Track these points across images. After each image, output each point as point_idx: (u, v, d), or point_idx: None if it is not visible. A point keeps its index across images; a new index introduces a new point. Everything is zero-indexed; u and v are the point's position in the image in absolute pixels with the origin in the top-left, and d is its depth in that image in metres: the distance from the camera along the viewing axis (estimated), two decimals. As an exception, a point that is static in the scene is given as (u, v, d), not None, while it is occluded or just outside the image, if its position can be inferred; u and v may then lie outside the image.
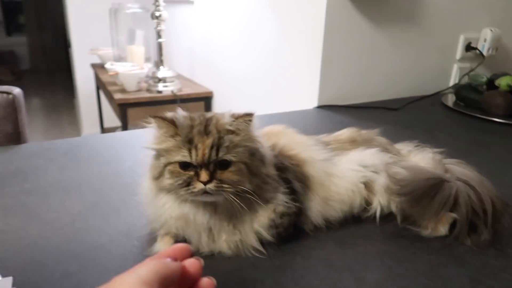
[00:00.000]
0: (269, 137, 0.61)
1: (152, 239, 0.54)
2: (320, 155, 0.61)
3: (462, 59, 1.50)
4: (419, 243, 0.57)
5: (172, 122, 0.49)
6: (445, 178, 0.59)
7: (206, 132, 0.48)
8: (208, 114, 0.51)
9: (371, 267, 0.51)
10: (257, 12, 1.54)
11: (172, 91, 1.97)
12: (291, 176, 0.55)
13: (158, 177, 0.50)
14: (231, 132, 0.49)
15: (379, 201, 0.60)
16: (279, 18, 1.40)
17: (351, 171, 0.60)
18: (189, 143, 0.47)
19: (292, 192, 0.55)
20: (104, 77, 2.27)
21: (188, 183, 0.47)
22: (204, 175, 0.47)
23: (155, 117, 0.49)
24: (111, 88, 2.04)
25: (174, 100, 1.98)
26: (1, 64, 5.84)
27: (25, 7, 6.33)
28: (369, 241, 0.57)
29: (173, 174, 0.48)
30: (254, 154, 0.50)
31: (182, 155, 0.47)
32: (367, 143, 0.69)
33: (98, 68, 2.60)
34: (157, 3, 1.89)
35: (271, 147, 0.59)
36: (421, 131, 1.06)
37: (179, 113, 0.51)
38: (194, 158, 0.47)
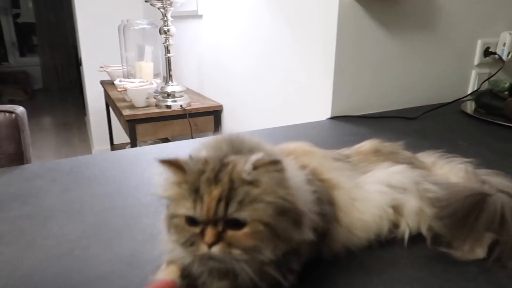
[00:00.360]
0: (297, 156, 0.56)
1: (156, 267, 0.49)
2: (351, 181, 0.55)
3: (481, 65, 1.43)
4: (453, 267, 0.51)
5: (180, 167, 0.40)
6: (486, 192, 0.53)
7: (215, 180, 0.38)
8: (229, 158, 0.41)
9: (402, 297, 0.45)
10: (267, 23, 1.50)
11: (181, 106, 1.94)
12: (324, 197, 0.50)
13: (169, 229, 0.42)
14: (248, 183, 0.38)
15: (408, 224, 0.54)
16: (289, 29, 1.37)
17: (379, 193, 0.54)
18: (196, 192, 0.38)
19: (321, 214, 0.49)
20: (113, 94, 2.26)
21: (192, 243, 0.39)
22: (209, 235, 0.37)
23: (162, 161, 0.41)
24: (120, 104, 2.02)
25: (184, 115, 1.95)
26: (15, 84, 5.94)
27: (38, 28, 6.45)
28: (397, 267, 0.51)
29: (177, 229, 0.40)
30: (284, 213, 0.39)
31: (186, 208, 0.39)
32: (392, 155, 0.64)
33: (108, 85, 2.60)
34: (165, 19, 1.88)
35: (301, 167, 0.53)
36: (444, 141, 1.00)
37: (195, 156, 0.42)
38: (199, 212, 0.38)
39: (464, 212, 0.51)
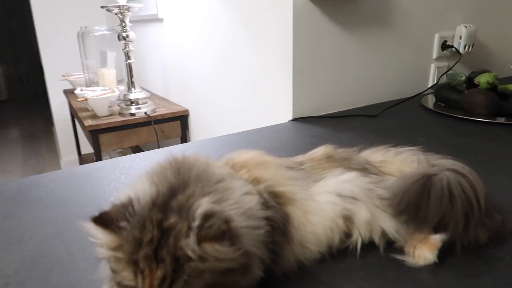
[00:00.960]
0: (249, 169, 0.54)
1: (97, 299, 0.46)
2: (304, 192, 0.54)
3: (439, 58, 1.45)
4: (405, 275, 0.50)
5: (113, 231, 0.37)
6: (431, 173, 0.54)
7: (156, 258, 0.35)
8: (169, 220, 0.37)
9: (351, 313, 0.44)
10: (224, 26, 1.48)
11: (145, 113, 1.89)
12: (277, 219, 0.48)
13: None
14: (194, 259, 0.35)
15: (360, 233, 0.53)
16: (246, 31, 1.35)
17: (329, 204, 0.53)
18: (135, 264, 0.36)
19: (271, 236, 0.47)
20: (75, 103, 2.19)
21: None
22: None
23: (93, 219, 0.38)
24: (81, 114, 1.96)
25: (149, 122, 1.90)
26: (-23, 97, 5.70)
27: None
28: (349, 278, 0.50)
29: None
30: (232, 270, 0.37)
31: (126, 278, 0.36)
32: (345, 161, 0.62)
33: (70, 94, 2.52)
34: (123, 24, 1.82)
35: (254, 180, 0.52)
36: (402, 138, 1.00)
37: (130, 209, 0.38)
38: (141, 285, 0.35)
39: (416, 199, 0.51)
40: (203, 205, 0.38)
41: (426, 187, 0.52)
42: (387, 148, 0.68)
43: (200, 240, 0.35)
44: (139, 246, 0.36)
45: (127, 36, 1.83)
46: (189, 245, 0.35)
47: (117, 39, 1.88)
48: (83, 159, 2.85)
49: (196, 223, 0.36)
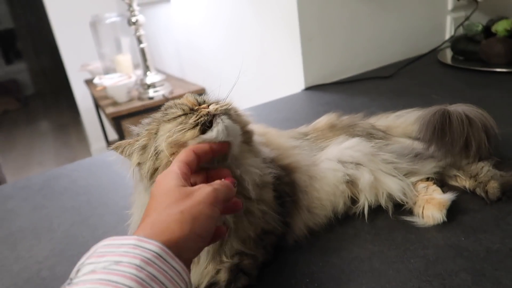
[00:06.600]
0: None
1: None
2: (308, 159, 0.56)
3: (455, 9, 1.38)
4: (413, 235, 0.50)
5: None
6: (442, 107, 0.59)
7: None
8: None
9: (358, 275, 0.45)
10: (234, 3, 1.46)
11: (163, 95, 1.92)
12: (287, 189, 0.50)
13: (152, 173, 0.45)
14: None
15: (366, 197, 0.54)
16: (253, 2, 1.32)
17: (331, 171, 0.54)
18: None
19: (281, 206, 0.50)
20: (95, 92, 2.24)
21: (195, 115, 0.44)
22: (203, 105, 0.46)
23: (115, 148, 0.49)
24: (102, 102, 2.01)
25: (167, 104, 1.93)
26: (5, 94, 5.90)
27: (19, 33, 6.35)
28: (357, 242, 0.51)
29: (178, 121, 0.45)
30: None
31: (173, 112, 0.46)
32: (348, 129, 0.63)
33: (90, 83, 2.57)
34: (131, 9, 1.83)
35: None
36: (417, 97, 0.98)
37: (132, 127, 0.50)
38: (187, 104, 0.46)
39: (440, 125, 0.57)
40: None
41: (445, 115, 0.57)
42: (387, 114, 0.68)
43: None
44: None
45: (137, 20, 1.83)
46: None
47: (127, 24, 1.89)
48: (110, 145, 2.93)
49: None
